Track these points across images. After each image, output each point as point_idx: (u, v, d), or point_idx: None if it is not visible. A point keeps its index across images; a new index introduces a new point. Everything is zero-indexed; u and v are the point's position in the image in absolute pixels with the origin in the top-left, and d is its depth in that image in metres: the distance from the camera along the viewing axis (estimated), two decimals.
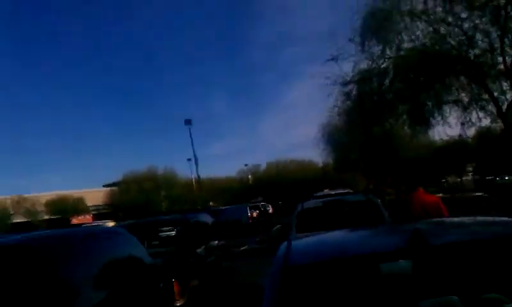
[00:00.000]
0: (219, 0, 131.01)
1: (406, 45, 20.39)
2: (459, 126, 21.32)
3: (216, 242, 13.48)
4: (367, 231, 3.46)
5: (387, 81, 21.10)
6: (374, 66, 21.13)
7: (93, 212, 70.09)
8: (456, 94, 20.85)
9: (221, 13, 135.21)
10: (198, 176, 58.73)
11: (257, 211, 39.83)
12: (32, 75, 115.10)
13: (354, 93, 22.51)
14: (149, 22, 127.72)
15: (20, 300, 3.72)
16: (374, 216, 7.27)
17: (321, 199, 8.92)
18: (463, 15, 18.68)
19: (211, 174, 73.49)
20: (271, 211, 50.32)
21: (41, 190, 67.38)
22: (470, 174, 59.98)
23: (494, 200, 25.84)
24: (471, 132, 23.62)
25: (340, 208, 7.93)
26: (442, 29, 19.46)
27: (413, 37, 19.99)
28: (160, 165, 70.83)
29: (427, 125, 22.43)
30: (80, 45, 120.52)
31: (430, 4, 19.08)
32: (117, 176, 71.88)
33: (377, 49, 20.83)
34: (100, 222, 55.87)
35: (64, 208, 65.20)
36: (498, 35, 18.26)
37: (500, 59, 18.66)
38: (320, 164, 69.07)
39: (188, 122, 52.44)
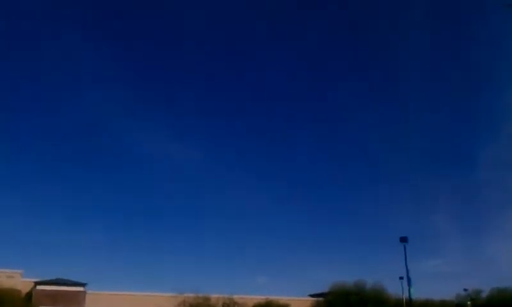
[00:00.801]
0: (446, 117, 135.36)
1: None
2: None
3: None
4: None
5: None
6: None
7: None
8: None
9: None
10: (410, 297, 55.84)
11: None
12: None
13: None
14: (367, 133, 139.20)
15: None
16: None
17: None
18: None
19: (423, 294, 68.99)
20: None
21: (249, 292, 70.77)
22: None
23: None
24: None
25: None
26: None
27: None
28: (370, 280, 69.29)
29: None
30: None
31: None
32: (324, 287, 71.85)
33: None
34: None
35: None
36: None
37: None
38: None
39: (404, 240, 50.73)
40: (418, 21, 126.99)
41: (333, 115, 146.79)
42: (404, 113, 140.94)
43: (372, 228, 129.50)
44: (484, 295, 72.53)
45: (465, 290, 72.39)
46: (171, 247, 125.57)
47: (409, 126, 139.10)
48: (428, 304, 68.60)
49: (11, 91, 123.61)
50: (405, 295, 59.31)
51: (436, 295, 77.00)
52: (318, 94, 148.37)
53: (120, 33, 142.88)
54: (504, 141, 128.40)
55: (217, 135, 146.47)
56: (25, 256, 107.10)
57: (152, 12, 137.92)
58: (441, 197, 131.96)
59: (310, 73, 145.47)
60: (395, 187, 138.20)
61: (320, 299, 70.92)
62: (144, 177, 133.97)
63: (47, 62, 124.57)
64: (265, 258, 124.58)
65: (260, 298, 68.39)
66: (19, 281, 59.59)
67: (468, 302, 70.77)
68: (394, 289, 69.55)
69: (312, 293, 75.28)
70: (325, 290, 70.89)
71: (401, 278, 58.05)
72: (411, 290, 53.64)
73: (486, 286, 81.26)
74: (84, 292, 61.96)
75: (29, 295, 58.80)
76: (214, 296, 63.88)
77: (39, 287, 59.71)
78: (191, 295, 61.26)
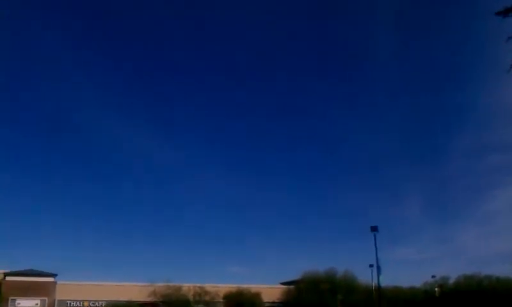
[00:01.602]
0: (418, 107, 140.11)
1: None
2: None
3: None
4: None
5: None
6: None
7: None
8: None
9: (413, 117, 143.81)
10: (379, 285, 59.31)
11: None
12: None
13: None
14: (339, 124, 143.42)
15: None
16: None
17: None
18: None
19: (393, 282, 73.09)
20: None
21: (221, 280, 74.35)
22: None
23: None
24: None
25: None
26: None
27: None
28: (341, 268, 73.51)
29: None
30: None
31: None
32: (295, 275, 75.16)
33: None
34: None
35: (241, 301, 69.77)
36: None
37: None
38: None
39: (374, 229, 53.69)
40: (389, 23, 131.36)
41: (306, 106, 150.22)
42: (376, 103, 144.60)
43: (344, 216, 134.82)
44: (451, 281, 76.76)
45: (433, 276, 76.68)
46: (143, 238, 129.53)
47: (380, 116, 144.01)
48: (397, 291, 72.29)
49: None
50: (374, 283, 62.94)
51: (407, 282, 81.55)
52: (291, 88, 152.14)
53: (103, 29, 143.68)
54: (472, 130, 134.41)
55: (193, 129, 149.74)
56: None
57: (137, 9, 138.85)
58: (413, 186, 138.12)
59: (285, 74, 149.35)
60: (367, 175, 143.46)
61: (291, 286, 74.14)
62: (119, 168, 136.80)
63: (29, 58, 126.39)
64: (237, 248, 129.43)
65: (232, 286, 71.40)
66: None
67: (436, 289, 75.04)
68: (364, 277, 73.43)
69: (283, 281, 78.92)
70: (296, 278, 74.12)
71: (371, 266, 60.68)
72: (380, 277, 57.42)
73: (455, 273, 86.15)
74: (54, 283, 64.42)
75: None
76: (186, 285, 66.38)
77: (8, 278, 61.89)
78: (162, 285, 63.83)
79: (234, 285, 71.79)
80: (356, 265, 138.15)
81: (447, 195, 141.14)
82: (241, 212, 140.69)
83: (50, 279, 64.72)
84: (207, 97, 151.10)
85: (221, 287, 70.72)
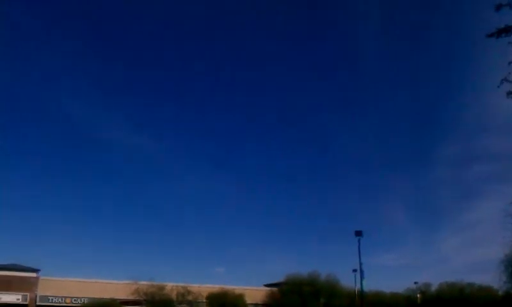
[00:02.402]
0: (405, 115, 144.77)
1: None
2: None
3: None
4: None
5: None
6: None
7: None
8: None
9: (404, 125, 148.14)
10: (362, 290, 62.13)
11: None
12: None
13: None
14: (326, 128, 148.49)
15: None
16: None
17: None
18: None
19: (376, 286, 76.26)
20: None
21: (206, 281, 77.07)
22: None
23: None
24: None
25: None
26: None
27: None
28: (324, 272, 76.53)
29: None
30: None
31: None
32: (279, 277, 77.68)
33: None
34: None
35: (224, 303, 72.19)
36: None
37: None
38: (501, 292, 67.87)
39: (359, 233, 56.17)
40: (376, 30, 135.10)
41: (295, 107, 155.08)
42: (364, 109, 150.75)
43: (329, 220, 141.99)
44: (433, 288, 79.89)
45: (415, 283, 79.74)
46: (128, 236, 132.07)
47: (368, 123, 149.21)
48: (379, 297, 75.33)
49: None
50: (357, 287, 65.84)
51: (390, 287, 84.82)
52: (278, 87, 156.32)
53: (79, 22, 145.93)
54: (458, 139, 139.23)
55: (175, 125, 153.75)
56: None
57: (124, 6, 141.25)
58: (398, 192, 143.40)
59: (275, 75, 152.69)
60: (353, 180, 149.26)
61: (275, 289, 76.80)
62: (102, 164, 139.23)
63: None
64: (223, 249, 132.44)
65: (215, 287, 73.84)
66: None
67: (418, 295, 78.32)
68: (347, 281, 76.48)
69: (267, 283, 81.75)
70: (280, 280, 76.69)
71: (354, 271, 63.72)
72: (363, 282, 60.26)
73: (438, 279, 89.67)
74: (37, 278, 66.05)
75: None
76: (169, 285, 68.56)
77: None
78: (146, 283, 65.95)
79: (218, 286, 74.21)
80: (339, 269, 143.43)
81: (432, 202, 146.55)
82: (228, 213, 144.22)
83: (33, 275, 66.24)
84: (194, 95, 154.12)
85: (204, 287, 73.03)
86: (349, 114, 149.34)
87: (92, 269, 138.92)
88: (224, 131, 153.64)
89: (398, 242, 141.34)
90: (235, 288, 74.72)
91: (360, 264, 57.69)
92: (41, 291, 65.41)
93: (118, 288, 66.24)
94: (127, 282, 65.13)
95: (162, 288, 67.51)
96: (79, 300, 66.82)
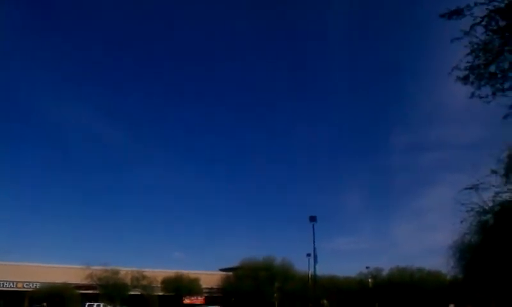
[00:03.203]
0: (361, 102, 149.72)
1: None
2: None
3: None
4: None
5: None
6: None
7: (206, 294, 79.59)
8: None
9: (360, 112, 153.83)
10: (315, 274, 65.59)
11: None
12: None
13: (491, 223, 25.12)
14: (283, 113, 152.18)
15: None
16: None
17: None
18: None
19: (330, 271, 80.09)
20: None
21: (161, 266, 79.54)
22: None
23: None
24: None
25: None
26: None
27: None
28: (279, 256, 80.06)
29: None
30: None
31: None
32: (234, 262, 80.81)
33: None
34: None
35: (179, 287, 75.05)
36: None
37: None
38: (449, 277, 72.08)
39: (313, 219, 58.74)
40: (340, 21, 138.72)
41: (252, 93, 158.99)
42: (321, 95, 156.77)
43: (285, 205, 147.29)
44: (384, 273, 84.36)
45: (367, 267, 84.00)
46: (83, 221, 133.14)
47: (324, 110, 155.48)
48: (332, 281, 79.33)
49: None
50: (311, 272, 69.33)
51: (343, 272, 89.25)
52: (238, 75, 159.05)
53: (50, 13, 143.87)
54: (412, 128, 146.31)
55: (141, 115, 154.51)
56: None
57: None
58: (353, 179, 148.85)
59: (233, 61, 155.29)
60: (309, 166, 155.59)
61: (230, 273, 79.95)
62: (65, 150, 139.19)
63: None
64: (180, 234, 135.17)
65: (171, 272, 76.32)
66: None
67: (369, 280, 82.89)
68: (302, 265, 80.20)
69: (223, 267, 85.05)
70: (235, 264, 79.68)
71: (308, 255, 66.39)
72: (317, 266, 63.65)
73: (390, 264, 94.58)
74: None
75: None
76: (123, 269, 70.77)
77: None
78: (99, 268, 67.97)
79: (173, 270, 76.69)
80: (294, 254, 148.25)
81: (385, 189, 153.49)
82: (184, 199, 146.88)
83: None
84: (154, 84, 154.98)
85: (159, 272, 75.52)
86: (305, 100, 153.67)
87: (45, 254, 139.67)
88: (185, 120, 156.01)
89: (352, 227, 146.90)
90: (191, 272, 77.41)
91: (314, 249, 60.13)
92: None
93: (72, 272, 67.60)
94: (80, 267, 66.67)
95: (116, 272, 69.57)
96: (31, 285, 68.10)
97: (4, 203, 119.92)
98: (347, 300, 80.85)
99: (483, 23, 10.13)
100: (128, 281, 71.31)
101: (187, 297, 77.54)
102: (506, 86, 10.48)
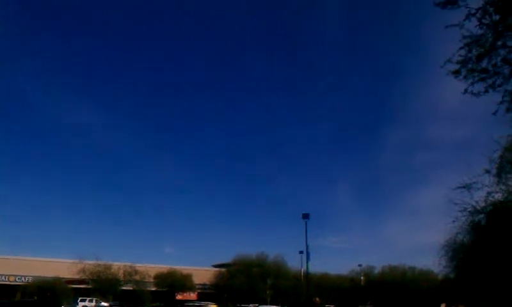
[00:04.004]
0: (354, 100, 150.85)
1: None
2: None
3: None
4: None
5: None
6: (509, 198, 22.99)
7: (199, 290, 79.41)
8: None
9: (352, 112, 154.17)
10: (308, 271, 65.53)
11: None
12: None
13: (483, 223, 24.91)
14: (278, 111, 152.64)
15: None
16: None
17: None
18: None
19: (322, 268, 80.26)
20: None
21: (154, 261, 79.20)
22: None
23: None
24: None
25: None
26: None
27: None
28: (272, 253, 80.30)
29: None
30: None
31: None
32: (227, 258, 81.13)
33: None
34: (202, 303, 65.38)
35: (172, 283, 74.72)
36: None
37: None
38: (440, 276, 72.15)
39: (306, 216, 58.88)
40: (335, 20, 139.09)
41: (246, 88, 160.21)
42: (315, 92, 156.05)
43: (278, 202, 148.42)
44: (376, 271, 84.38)
45: (359, 265, 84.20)
46: (76, 215, 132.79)
47: (317, 107, 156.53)
48: (324, 278, 79.39)
49: None
50: (303, 269, 69.37)
51: (335, 269, 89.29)
52: (233, 68, 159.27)
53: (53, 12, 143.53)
54: (405, 127, 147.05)
55: (137, 111, 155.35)
56: None
57: None
58: (346, 177, 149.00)
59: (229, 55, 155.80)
60: (302, 164, 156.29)
61: (223, 269, 79.71)
62: (58, 146, 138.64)
63: None
64: (173, 229, 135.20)
65: (163, 267, 76.27)
66: None
67: (362, 277, 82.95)
68: (294, 262, 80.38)
69: (216, 263, 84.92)
70: (228, 261, 79.86)
71: (301, 252, 67.03)
72: (310, 264, 63.56)
73: (382, 262, 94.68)
74: None
75: None
76: (116, 264, 70.59)
77: None
78: (92, 262, 67.74)
79: (166, 266, 76.62)
80: (287, 251, 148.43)
81: (378, 187, 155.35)
82: (177, 195, 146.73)
83: None
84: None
85: (152, 267, 75.25)
86: (298, 98, 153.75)
87: (37, 248, 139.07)
88: (178, 117, 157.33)
89: (345, 225, 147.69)
90: (183, 268, 77.25)
91: (306, 246, 60.17)
92: None
93: (64, 266, 67.23)
94: (72, 261, 66.52)
95: (108, 267, 69.35)
96: (23, 279, 67.78)
97: None
98: (339, 298, 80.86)
99: (477, 15, 9.88)
100: (120, 276, 71.21)
101: (180, 292, 77.33)
102: (498, 82, 10.24)
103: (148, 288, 73.21)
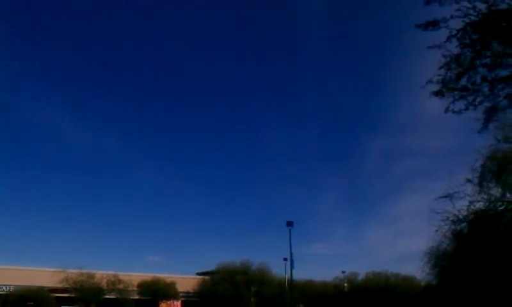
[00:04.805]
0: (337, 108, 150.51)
1: None
2: None
3: None
4: None
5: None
6: (490, 207, 23.09)
7: (183, 298, 79.08)
8: None
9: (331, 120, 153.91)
10: (292, 278, 65.76)
11: None
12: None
13: (465, 232, 24.98)
14: (261, 119, 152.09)
15: None
16: None
17: None
18: None
19: (306, 276, 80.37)
20: None
21: (137, 269, 78.80)
22: None
23: None
24: None
25: None
26: None
27: None
28: (256, 260, 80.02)
29: None
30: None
31: None
32: (211, 266, 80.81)
33: (496, 191, 22.82)
34: None
35: (155, 291, 74.40)
36: None
37: None
38: (423, 283, 72.77)
39: (290, 224, 58.83)
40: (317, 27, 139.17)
41: (229, 95, 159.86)
42: (299, 100, 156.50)
43: (262, 210, 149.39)
44: (360, 278, 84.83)
45: (343, 272, 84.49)
46: (59, 224, 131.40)
47: (300, 114, 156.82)
48: (309, 285, 79.66)
49: None
50: (288, 276, 69.42)
51: (320, 276, 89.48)
52: (216, 75, 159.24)
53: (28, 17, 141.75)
54: (387, 135, 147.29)
55: (113, 114, 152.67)
56: None
57: None
58: (329, 184, 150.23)
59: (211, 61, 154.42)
60: (285, 171, 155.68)
61: (207, 277, 79.36)
62: (33, 150, 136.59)
63: None
64: (157, 237, 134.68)
65: (147, 275, 75.89)
66: None
67: (345, 284, 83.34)
68: (279, 270, 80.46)
69: (200, 271, 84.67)
70: (212, 268, 79.59)
71: (285, 259, 66.68)
72: (294, 271, 63.76)
73: (365, 269, 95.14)
74: None
75: None
76: (99, 273, 69.99)
77: None
78: (75, 271, 66.94)
79: (149, 274, 76.28)
80: (271, 258, 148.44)
81: (361, 194, 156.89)
82: (161, 202, 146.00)
83: None
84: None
85: (135, 276, 74.79)
86: (281, 104, 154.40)
87: (19, 256, 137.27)
88: (161, 125, 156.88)
89: (328, 232, 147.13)
90: (167, 276, 77.03)
91: (290, 254, 60.77)
92: None
93: (47, 275, 66.27)
94: (55, 270, 65.50)
95: (91, 276, 68.78)
96: (4, 288, 66.53)
97: None
98: (323, 305, 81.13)
99: (458, 36, 10.11)
100: (104, 284, 70.59)
101: (164, 301, 77.01)
102: (478, 100, 10.50)
103: (132, 297, 72.73)
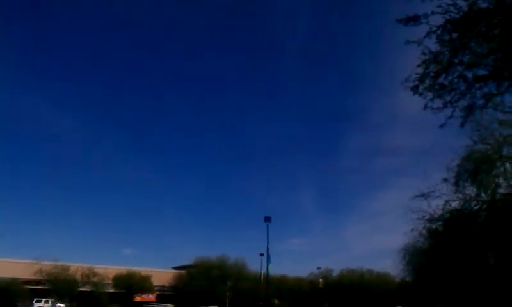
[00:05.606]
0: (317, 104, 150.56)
1: (503, 191, 22.15)
2: None
3: None
4: None
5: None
6: (466, 207, 23.15)
7: (158, 292, 78.53)
8: None
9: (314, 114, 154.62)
10: (267, 274, 65.65)
11: None
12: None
13: (440, 230, 25.23)
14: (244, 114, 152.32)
15: None
16: None
17: None
18: None
19: (282, 271, 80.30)
20: None
21: (112, 262, 78.03)
22: None
23: None
24: None
25: None
26: None
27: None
28: (232, 255, 79.96)
29: None
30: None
31: None
32: (188, 260, 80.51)
33: (471, 191, 22.96)
34: (161, 305, 64.83)
35: (131, 285, 73.87)
36: None
37: None
38: (397, 279, 73.45)
39: (267, 219, 58.65)
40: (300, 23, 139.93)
41: (207, 90, 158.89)
42: (276, 97, 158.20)
43: (239, 205, 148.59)
44: (335, 274, 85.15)
45: (318, 268, 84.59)
46: (33, 215, 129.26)
47: (279, 110, 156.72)
48: (284, 281, 79.73)
49: None
50: (263, 271, 69.31)
51: (295, 272, 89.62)
52: (195, 70, 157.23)
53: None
54: (367, 131, 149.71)
55: (94, 103, 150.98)
56: None
57: None
58: (307, 180, 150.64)
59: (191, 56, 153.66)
60: (263, 166, 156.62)
61: (183, 271, 79.08)
62: (8, 139, 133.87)
63: None
64: (132, 230, 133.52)
65: (122, 269, 75.15)
66: None
67: (320, 280, 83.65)
68: (255, 265, 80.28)
69: (176, 266, 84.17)
70: (188, 262, 79.27)
71: (262, 255, 65.78)
72: (270, 266, 63.59)
73: (341, 265, 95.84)
74: None
75: None
76: (74, 265, 69.24)
77: None
78: (49, 263, 66.18)
79: (124, 267, 75.54)
80: (247, 253, 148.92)
81: (339, 191, 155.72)
82: (137, 195, 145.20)
83: None
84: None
85: (110, 269, 74.05)
86: (260, 99, 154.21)
87: None
88: (137, 116, 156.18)
89: (304, 227, 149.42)
90: (142, 269, 76.47)
91: (267, 249, 59.59)
92: None
93: (19, 267, 65.56)
94: (29, 262, 64.92)
95: (66, 268, 68.08)
96: None
97: None
98: (298, 300, 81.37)
99: (437, 32, 9.97)
100: (78, 277, 70.06)
101: (139, 294, 76.40)
102: (455, 98, 10.42)
103: (106, 290, 72.18)
